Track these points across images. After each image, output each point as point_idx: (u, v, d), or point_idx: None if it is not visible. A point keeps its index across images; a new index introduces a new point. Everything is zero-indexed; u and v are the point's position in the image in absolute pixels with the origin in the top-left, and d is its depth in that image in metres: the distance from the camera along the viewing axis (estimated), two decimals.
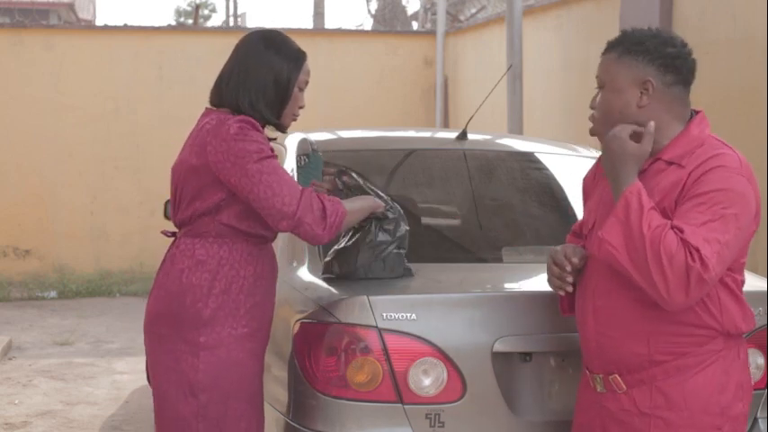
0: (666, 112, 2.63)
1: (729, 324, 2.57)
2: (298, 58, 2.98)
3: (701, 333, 2.56)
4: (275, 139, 3.21)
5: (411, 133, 5.15)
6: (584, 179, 2.96)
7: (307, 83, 3.03)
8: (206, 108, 3.03)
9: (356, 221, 3.03)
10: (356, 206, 2.99)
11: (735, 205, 2.48)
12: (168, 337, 2.94)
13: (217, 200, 2.90)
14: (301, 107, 3.03)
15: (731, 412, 2.58)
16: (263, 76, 2.93)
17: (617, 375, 2.62)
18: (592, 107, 2.74)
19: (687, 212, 2.47)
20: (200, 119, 3.00)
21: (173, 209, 3.03)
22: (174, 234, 3.08)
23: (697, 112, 2.68)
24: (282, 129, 3.05)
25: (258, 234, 2.98)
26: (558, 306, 2.90)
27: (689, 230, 2.42)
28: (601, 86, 2.71)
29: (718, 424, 2.56)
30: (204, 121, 2.96)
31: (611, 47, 2.70)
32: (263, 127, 2.99)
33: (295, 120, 3.06)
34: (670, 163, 2.60)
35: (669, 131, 2.63)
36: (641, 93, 2.62)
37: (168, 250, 3.04)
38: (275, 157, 2.89)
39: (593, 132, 2.76)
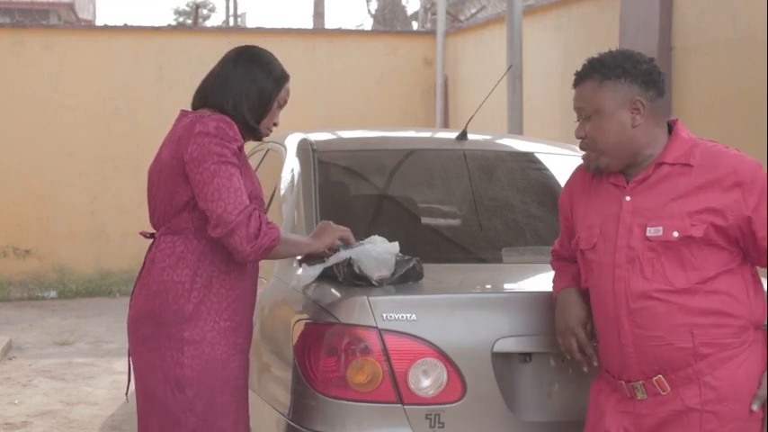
0: (655, 126, 2.72)
1: (759, 313, 2.63)
2: (281, 77, 3.10)
3: (737, 324, 2.60)
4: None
5: (411, 133, 5.15)
6: (561, 200, 2.97)
7: (286, 102, 3.14)
8: (181, 110, 3.08)
9: (296, 254, 3.10)
10: (293, 239, 3.07)
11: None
12: (152, 335, 2.95)
13: (191, 193, 2.92)
14: (275, 124, 3.14)
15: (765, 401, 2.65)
16: (247, 85, 3.04)
17: (661, 376, 2.62)
18: (580, 137, 2.75)
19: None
20: (176, 121, 3.04)
21: (150, 210, 3.06)
22: (152, 235, 3.09)
23: (674, 120, 2.78)
24: (258, 137, 3.13)
25: None
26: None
27: None
28: (586, 117, 2.72)
29: (762, 416, 2.62)
30: (180, 123, 3.01)
31: (586, 76, 2.72)
32: (243, 133, 3.03)
33: (268, 134, 3.15)
34: (674, 164, 2.67)
35: (660, 141, 2.72)
36: (632, 113, 2.68)
37: (148, 252, 3.05)
38: (238, 165, 2.91)
39: (589, 162, 2.77)
